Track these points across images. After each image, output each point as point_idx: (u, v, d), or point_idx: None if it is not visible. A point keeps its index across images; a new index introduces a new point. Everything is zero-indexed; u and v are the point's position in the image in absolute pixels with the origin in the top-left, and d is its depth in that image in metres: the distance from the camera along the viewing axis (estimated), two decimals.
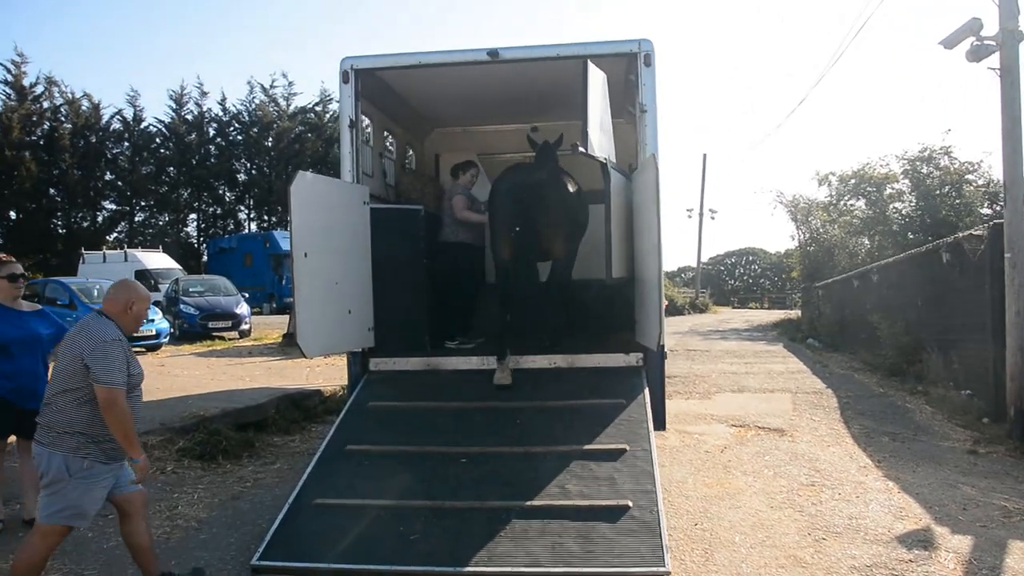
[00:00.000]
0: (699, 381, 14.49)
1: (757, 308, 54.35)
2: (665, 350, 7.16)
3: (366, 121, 8.70)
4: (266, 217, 55.71)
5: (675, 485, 7.41)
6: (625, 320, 8.04)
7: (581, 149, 6.38)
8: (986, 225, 11.18)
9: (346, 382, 8.33)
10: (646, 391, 6.75)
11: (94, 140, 51.45)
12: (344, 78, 7.63)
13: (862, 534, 6.12)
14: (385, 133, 9.53)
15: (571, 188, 7.83)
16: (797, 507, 6.81)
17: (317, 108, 56.89)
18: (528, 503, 5.24)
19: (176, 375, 13.79)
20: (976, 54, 10.32)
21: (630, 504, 5.15)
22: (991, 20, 10.32)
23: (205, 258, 47.74)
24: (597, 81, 6.67)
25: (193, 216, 57.19)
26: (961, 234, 11.22)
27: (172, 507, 6.77)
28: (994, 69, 10.36)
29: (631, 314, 7.83)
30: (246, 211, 58.21)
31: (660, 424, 6.94)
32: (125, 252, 32.11)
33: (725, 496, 7.16)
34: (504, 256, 7.57)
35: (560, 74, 8.13)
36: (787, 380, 14.58)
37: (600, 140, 6.63)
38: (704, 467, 8.23)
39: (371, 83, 8.07)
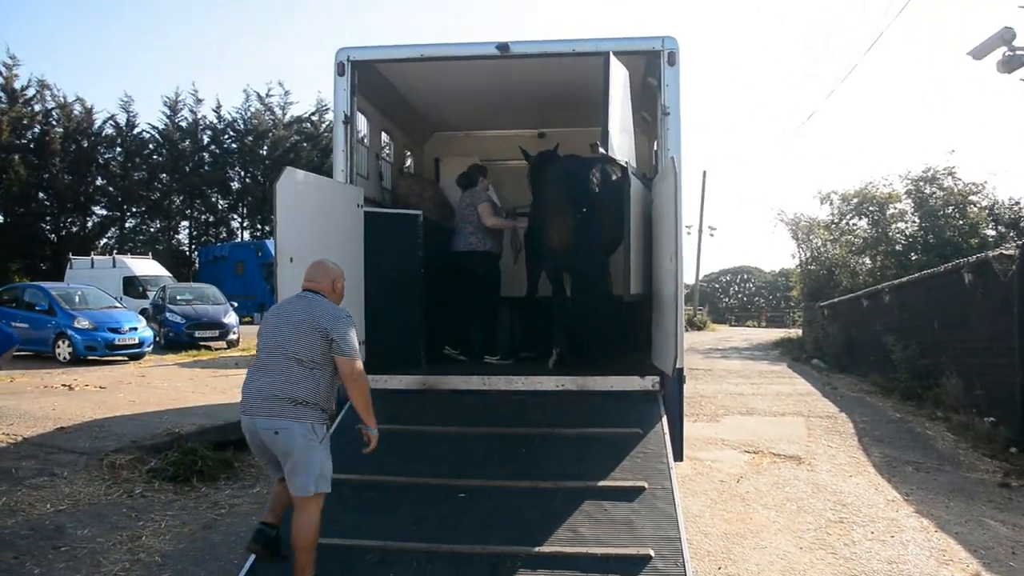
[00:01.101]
0: (705, 402, 13.85)
1: (755, 326, 53.85)
2: (684, 374, 6.50)
3: (362, 120, 8.08)
4: (259, 226, 54.86)
5: (692, 520, 6.75)
6: (638, 340, 7.42)
7: (601, 150, 5.77)
8: (1017, 244, 10.60)
9: None
10: (664, 419, 6.10)
11: (86, 145, 50.53)
12: (339, 70, 7.02)
13: None
14: (382, 134, 8.90)
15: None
16: (829, 548, 6.18)
17: (313, 118, 56.30)
18: (536, 549, 4.59)
19: (156, 387, 13.09)
20: (1008, 65, 9.86)
21: (652, 554, 4.50)
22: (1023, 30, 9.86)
23: (196, 266, 46.88)
24: (619, 77, 6.08)
25: (185, 223, 56.41)
26: (990, 253, 10.63)
27: (135, 537, 6.09)
28: None
29: (644, 334, 7.21)
30: (239, 219, 57.45)
31: (678, 455, 6.28)
32: (114, 258, 31.35)
33: (748, 534, 6.52)
34: (560, 242, 6.81)
35: (574, 73, 7.55)
36: (797, 402, 13.95)
37: (621, 141, 6.02)
38: (721, 499, 7.59)
39: (369, 78, 7.46)
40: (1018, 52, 9.73)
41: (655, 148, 8.35)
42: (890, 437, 10.84)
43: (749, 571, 5.66)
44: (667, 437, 5.85)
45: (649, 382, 6.58)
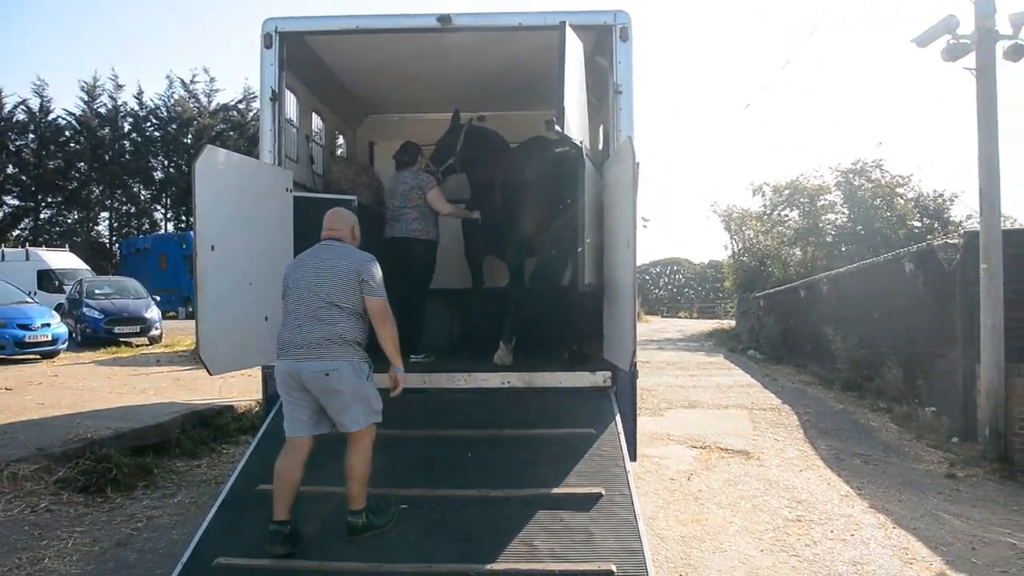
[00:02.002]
0: (646, 395, 13.56)
1: (687, 317, 54.19)
2: (636, 368, 6.11)
3: (291, 99, 7.51)
4: (184, 217, 52.88)
5: (646, 523, 6.32)
6: (586, 333, 7.05)
7: (557, 128, 5.33)
8: (960, 234, 10.58)
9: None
10: (617, 418, 5.73)
11: None
12: (266, 42, 6.45)
13: None
14: (313, 115, 8.32)
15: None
16: (791, 550, 5.91)
17: (240, 106, 54.66)
18: (488, 567, 4.14)
19: (69, 387, 12.21)
20: (952, 53, 9.72)
21: (614, 569, 4.11)
22: (967, 18, 9.77)
23: (118, 259, 45.05)
24: (575, 50, 5.65)
25: (105, 215, 54.22)
26: (936, 242, 10.59)
27: (36, 559, 5.43)
28: (970, 69, 9.78)
29: (592, 327, 6.84)
30: (162, 211, 55.47)
31: (632, 455, 5.91)
32: (27, 251, 29.73)
33: (705, 536, 6.21)
34: (525, 232, 6.71)
35: (518, 51, 7.14)
36: (739, 395, 13.80)
37: (575, 119, 5.60)
38: (673, 499, 7.28)
39: (298, 52, 6.90)
40: (962, 40, 9.61)
41: (602, 130, 7.99)
42: (835, 429, 10.74)
43: None
44: (622, 437, 5.49)
45: (600, 377, 6.21)
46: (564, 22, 5.58)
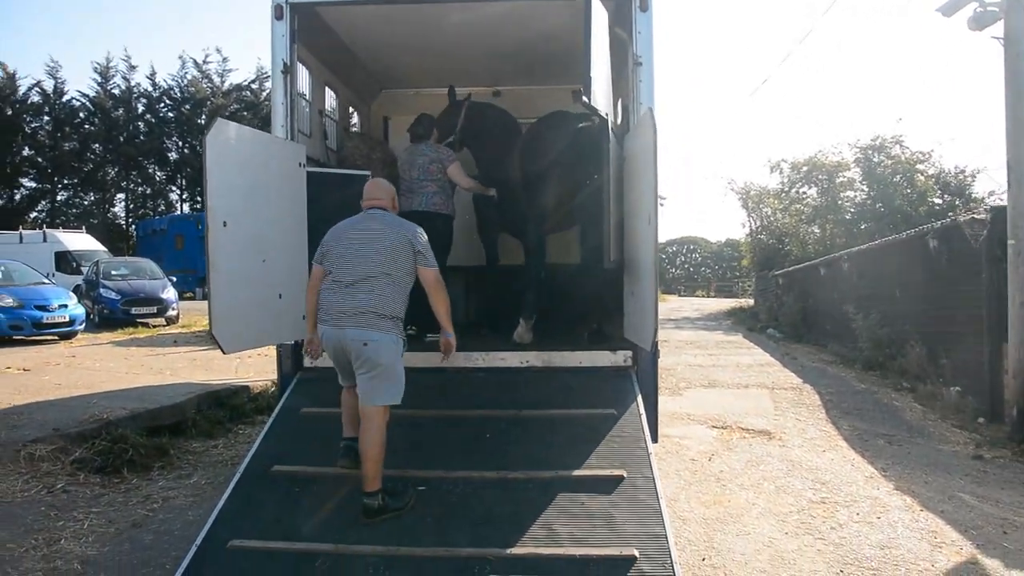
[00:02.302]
0: (666, 375, 13.41)
1: (704, 296, 53.95)
2: (658, 348, 5.95)
3: (304, 73, 7.36)
4: (199, 198, 52.96)
5: (668, 504, 6.28)
6: (605, 311, 6.92)
7: (584, 100, 5.16)
8: (987, 208, 10.33)
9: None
10: (639, 398, 5.60)
11: (9, 113, 48.15)
12: (277, 13, 6.29)
13: (903, 570, 5.10)
14: (326, 89, 8.17)
15: None
16: (816, 532, 5.77)
17: (253, 86, 54.43)
18: (508, 551, 4.05)
19: (86, 368, 12.21)
20: (979, 21, 9.43)
21: (636, 555, 4.00)
22: None
23: (134, 240, 45.18)
24: (600, 19, 5.47)
25: (121, 196, 54.34)
26: (961, 218, 10.34)
27: (52, 540, 5.37)
28: (998, 38, 9.49)
29: (609, 305, 6.71)
30: (178, 192, 55.51)
31: (653, 436, 5.78)
32: (44, 232, 29.82)
33: (728, 519, 6.08)
34: (546, 208, 6.71)
35: (537, 21, 6.98)
36: (759, 374, 13.63)
37: (600, 91, 5.43)
38: (695, 480, 7.16)
39: (310, 23, 6.74)
40: (989, 8, 9.32)
41: (621, 103, 7.82)
42: (858, 409, 10.56)
43: (735, 561, 5.22)
44: (643, 418, 5.36)
45: (621, 357, 6.10)
46: None
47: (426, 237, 4.89)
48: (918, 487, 6.97)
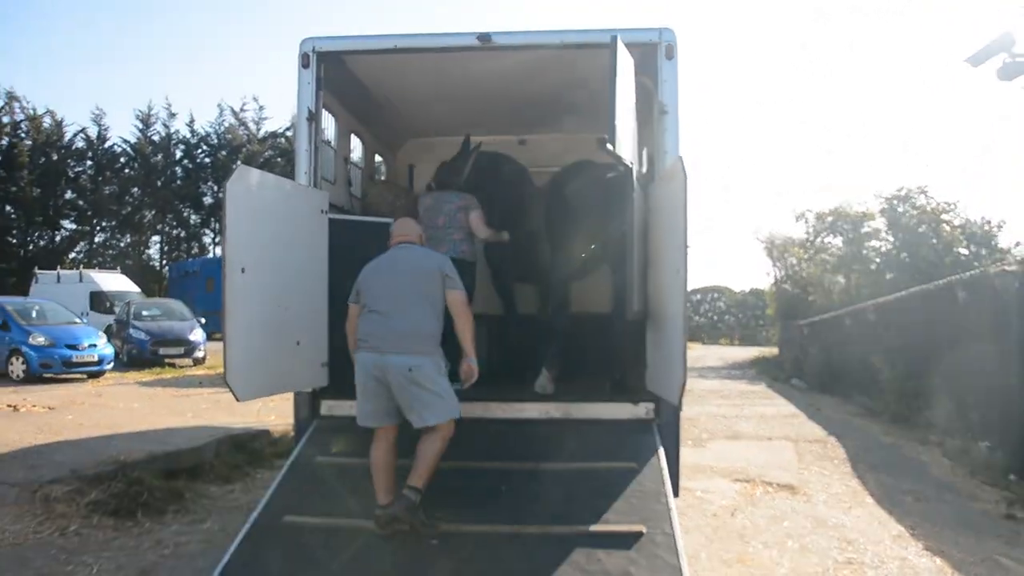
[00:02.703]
0: (688, 425, 13.23)
1: (727, 344, 53.53)
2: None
3: (330, 120, 7.46)
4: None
5: (689, 561, 6.13)
6: (628, 361, 6.85)
7: (608, 146, 5.15)
8: (1016, 260, 10.16)
9: None
10: (660, 451, 5.49)
11: (55, 158, 49.48)
12: (304, 62, 6.38)
13: None
14: (352, 137, 8.27)
15: None
16: None
17: (288, 133, 55.33)
18: None
19: (110, 408, 12.30)
20: (1008, 72, 9.43)
21: None
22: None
23: (167, 281, 45.84)
24: (626, 66, 5.47)
25: (156, 238, 55.31)
26: (991, 270, 10.18)
27: None
28: None
29: (632, 355, 6.64)
30: (211, 235, 56.26)
31: (674, 490, 5.65)
32: (80, 273, 30.36)
33: None
34: (572, 259, 6.77)
35: (559, 71, 6.99)
36: (783, 425, 13.42)
37: (625, 139, 5.42)
38: (717, 536, 7.00)
39: (337, 72, 6.83)
40: (1018, 59, 9.30)
41: (645, 152, 7.81)
42: (884, 463, 10.33)
43: None
44: (665, 472, 5.25)
45: (643, 409, 5.98)
46: (616, 37, 5.38)
47: (452, 265, 5.13)
48: (948, 548, 6.76)
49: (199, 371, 20.09)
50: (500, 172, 7.52)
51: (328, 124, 7.35)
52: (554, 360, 6.62)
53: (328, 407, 6.15)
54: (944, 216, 28.14)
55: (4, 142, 47.79)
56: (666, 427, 5.86)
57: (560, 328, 6.82)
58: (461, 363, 5.06)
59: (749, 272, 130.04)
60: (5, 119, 48.45)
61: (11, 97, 48.55)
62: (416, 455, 4.73)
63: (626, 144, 5.44)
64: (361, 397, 4.94)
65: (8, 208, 48.08)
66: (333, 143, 7.59)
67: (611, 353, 6.91)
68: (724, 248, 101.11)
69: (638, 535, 4.54)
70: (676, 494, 5.60)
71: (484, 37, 6.21)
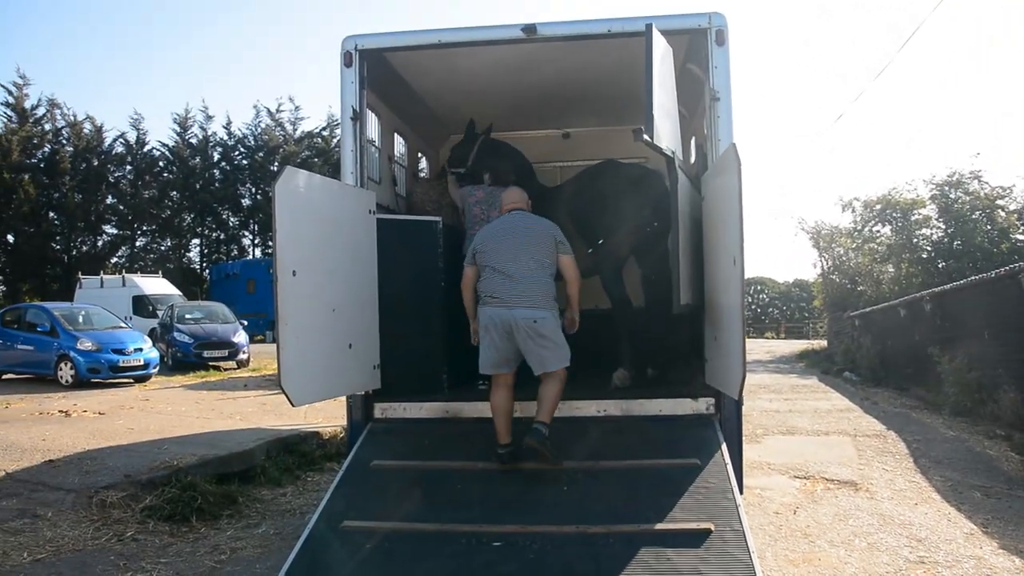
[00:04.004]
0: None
1: (773, 338, 52.78)
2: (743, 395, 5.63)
3: (373, 119, 7.36)
4: (270, 243, 54.14)
5: None
6: (673, 355, 6.69)
7: (645, 136, 4.97)
8: None
9: None
10: (723, 447, 5.31)
11: (96, 163, 50.21)
12: (346, 60, 6.29)
13: None
14: (395, 136, 8.16)
15: None
16: None
17: (324, 133, 55.78)
18: None
19: (158, 412, 12.37)
20: None
21: None
22: None
23: (208, 284, 46.39)
24: (661, 52, 5.29)
25: (196, 241, 55.92)
26: None
27: None
28: None
29: (680, 349, 6.49)
30: (250, 236, 56.90)
31: (739, 487, 5.46)
32: (123, 277, 30.79)
33: None
34: (621, 255, 6.84)
35: (606, 61, 6.82)
36: (839, 420, 13.08)
37: (665, 127, 5.23)
38: (780, 535, 6.77)
39: (379, 71, 6.73)
40: None
41: (694, 142, 7.62)
42: (948, 458, 9.97)
43: None
44: (729, 468, 5.08)
45: (703, 404, 5.81)
46: (650, 24, 5.24)
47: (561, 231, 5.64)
48: None
49: (244, 373, 20.21)
50: (502, 160, 7.57)
51: (372, 123, 7.25)
52: (629, 358, 6.63)
53: (381, 410, 6.06)
54: (999, 201, 27.36)
55: (47, 149, 48.66)
56: (727, 422, 5.70)
57: (627, 326, 6.77)
58: (565, 314, 5.61)
59: (793, 263, 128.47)
60: (47, 126, 49.30)
61: (52, 104, 49.43)
62: (539, 397, 5.30)
63: (665, 133, 5.25)
64: (487, 347, 5.45)
65: (52, 214, 48.97)
66: (377, 142, 7.48)
67: (655, 346, 6.84)
68: (766, 239, 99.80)
69: (707, 532, 4.39)
70: (741, 491, 5.41)
71: (529, 28, 6.07)
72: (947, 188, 28.32)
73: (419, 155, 9.16)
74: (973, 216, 27.11)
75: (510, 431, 5.32)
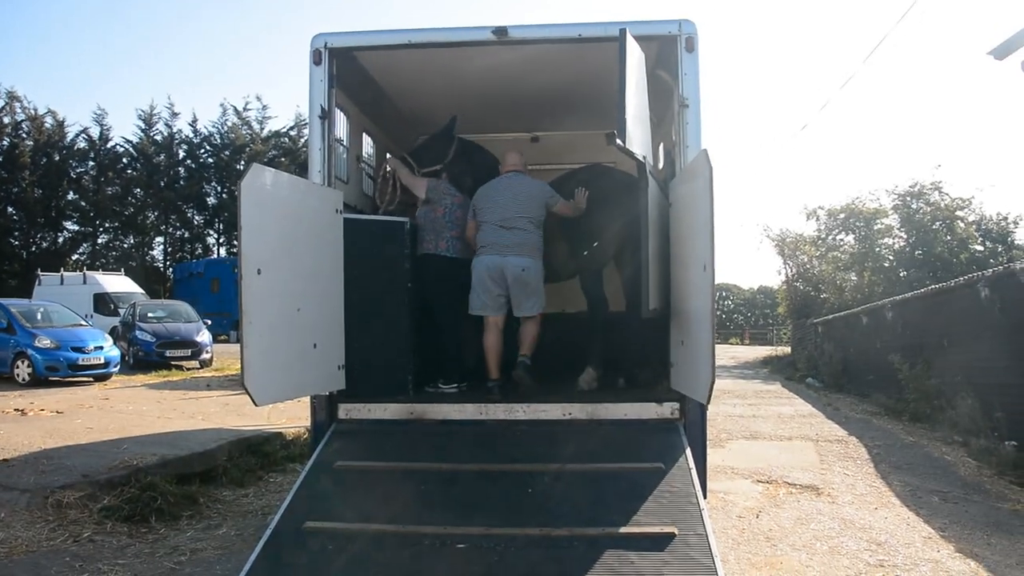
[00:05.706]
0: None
1: (738, 343, 53.27)
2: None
3: (341, 119, 7.29)
4: (236, 242, 53.55)
5: None
6: (640, 360, 6.72)
7: (618, 141, 4.98)
8: None
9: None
10: (688, 451, 5.34)
11: (57, 158, 49.51)
12: (316, 58, 6.23)
13: None
14: (364, 136, 8.11)
15: None
16: None
17: (292, 132, 55.52)
18: None
19: (118, 411, 12.16)
20: None
21: None
22: None
23: (171, 283, 45.78)
24: (635, 58, 5.32)
25: (160, 239, 55.31)
26: (1017, 266, 9.99)
27: None
28: None
29: (647, 355, 6.53)
30: (215, 235, 56.40)
31: (703, 491, 5.48)
32: (84, 274, 30.28)
33: None
34: (603, 261, 7.01)
35: (577, 66, 6.83)
36: (802, 425, 13.23)
37: (636, 133, 5.25)
38: (743, 539, 6.83)
39: (348, 69, 6.68)
40: None
41: (663, 148, 7.66)
42: (908, 463, 10.13)
43: None
44: (693, 472, 5.10)
45: (668, 409, 5.83)
46: (624, 29, 5.26)
47: (552, 190, 6.60)
48: (981, 550, 6.57)
49: (207, 373, 19.96)
50: (476, 162, 7.56)
51: (340, 122, 7.18)
52: (598, 359, 6.74)
53: (345, 410, 6.00)
54: (959, 212, 27.91)
55: (5, 143, 47.94)
56: (692, 426, 5.72)
57: (600, 327, 6.89)
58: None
59: (757, 270, 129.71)
60: (6, 119, 48.56)
61: (12, 97, 48.78)
62: (521, 335, 6.41)
63: (636, 139, 5.27)
64: (479, 292, 6.35)
65: (10, 209, 48.20)
66: (345, 141, 7.42)
67: (625, 351, 6.89)
68: (732, 245, 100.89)
69: (670, 536, 4.40)
70: (704, 495, 5.44)
71: (500, 31, 6.07)
72: (909, 199, 28.88)
73: (387, 155, 9.09)
74: (934, 226, 27.67)
75: (500, 368, 6.31)
